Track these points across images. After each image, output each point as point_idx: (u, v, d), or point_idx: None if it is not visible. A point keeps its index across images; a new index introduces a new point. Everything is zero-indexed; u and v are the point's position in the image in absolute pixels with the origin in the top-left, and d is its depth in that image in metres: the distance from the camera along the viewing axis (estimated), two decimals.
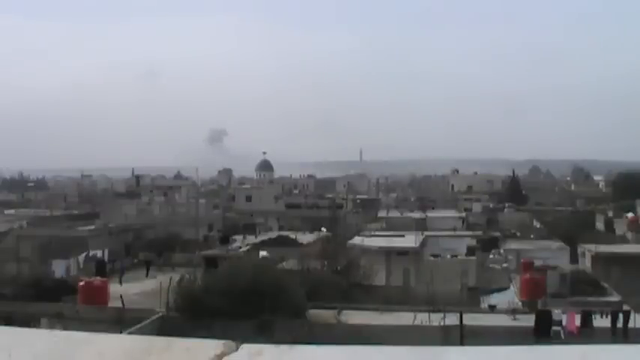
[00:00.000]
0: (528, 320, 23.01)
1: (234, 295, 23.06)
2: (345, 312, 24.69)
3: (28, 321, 20.94)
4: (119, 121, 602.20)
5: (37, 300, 27.53)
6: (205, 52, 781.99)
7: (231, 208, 79.91)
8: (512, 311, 25.00)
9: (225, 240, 50.48)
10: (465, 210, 76.72)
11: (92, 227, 56.33)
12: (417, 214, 65.46)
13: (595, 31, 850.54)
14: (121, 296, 27.23)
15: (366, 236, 46.51)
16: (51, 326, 21.31)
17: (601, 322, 22.68)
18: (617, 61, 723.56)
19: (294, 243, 46.28)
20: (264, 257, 35.70)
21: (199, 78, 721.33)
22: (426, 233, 49.67)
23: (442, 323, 22.47)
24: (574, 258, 42.45)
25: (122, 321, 22.99)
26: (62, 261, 42.66)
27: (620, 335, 21.68)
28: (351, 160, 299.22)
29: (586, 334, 21.75)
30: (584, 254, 41.32)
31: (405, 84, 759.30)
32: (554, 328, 22.44)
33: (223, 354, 2.38)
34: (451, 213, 70.86)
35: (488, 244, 46.89)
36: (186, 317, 22.93)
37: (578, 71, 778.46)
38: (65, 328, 15.92)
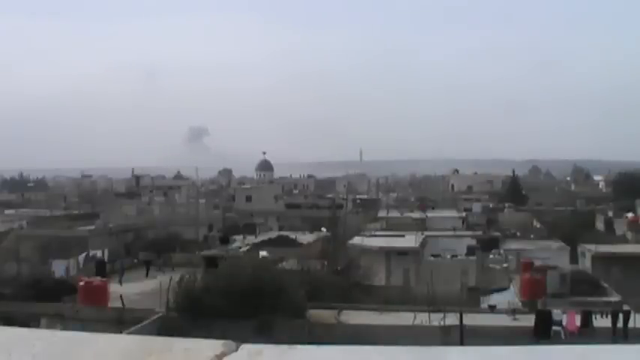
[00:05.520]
0: (528, 320, 23.00)
1: (234, 295, 23.07)
2: (345, 312, 24.68)
3: (28, 321, 20.95)
4: (119, 121, 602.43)
5: (37, 300, 27.53)
6: (205, 52, 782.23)
7: (231, 208, 79.74)
8: (512, 311, 24.98)
9: (225, 240, 50.40)
10: (465, 210, 76.51)
11: (92, 227, 56.21)
12: (417, 214, 65.39)
13: (595, 30, 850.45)
14: (121, 296, 27.25)
15: (366, 236, 46.41)
16: (51, 326, 21.32)
17: (601, 322, 22.67)
18: (617, 61, 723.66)
19: (294, 243, 46.18)
20: (264, 257, 35.63)
21: (199, 78, 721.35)
22: (426, 233, 49.57)
23: (442, 323, 22.46)
24: (574, 258, 42.39)
25: (122, 321, 23.02)
26: (62, 261, 42.58)
27: (620, 335, 21.68)
28: (351, 160, 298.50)
29: (586, 334, 21.76)
30: (584, 254, 41.25)
31: (406, 84, 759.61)
32: (554, 328, 22.45)
33: (223, 354, 2.38)
34: (451, 213, 70.69)
35: (488, 244, 46.81)
36: (186, 317, 22.92)
37: (578, 71, 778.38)
38: (65, 328, 15.94)
